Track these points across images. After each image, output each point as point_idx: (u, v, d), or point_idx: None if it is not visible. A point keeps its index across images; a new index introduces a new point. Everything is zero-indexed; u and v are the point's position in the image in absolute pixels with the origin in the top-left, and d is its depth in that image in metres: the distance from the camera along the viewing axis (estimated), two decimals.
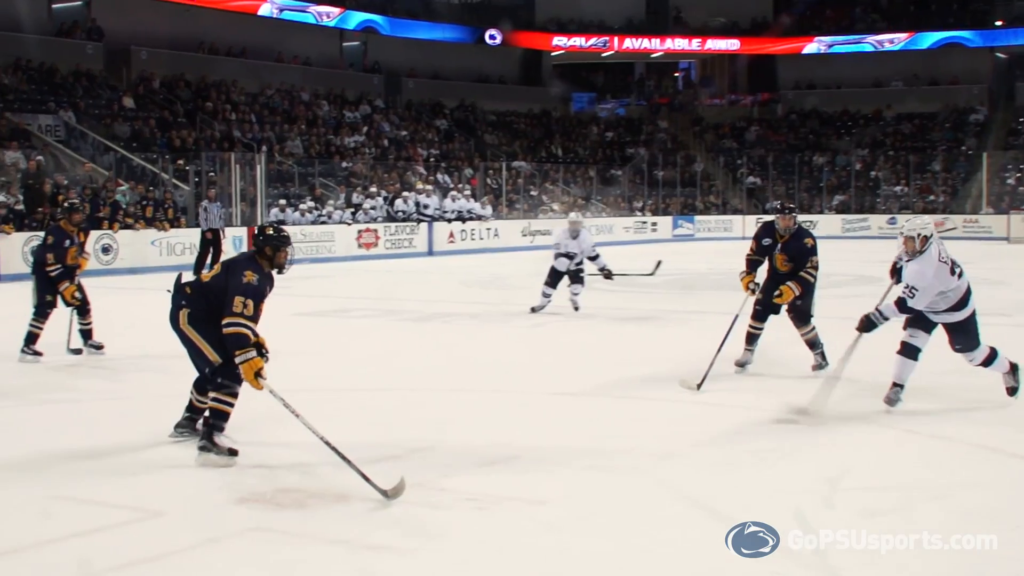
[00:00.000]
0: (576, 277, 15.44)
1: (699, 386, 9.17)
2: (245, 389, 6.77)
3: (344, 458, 6.15)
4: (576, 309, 15.34)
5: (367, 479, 5.94)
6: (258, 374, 6.47)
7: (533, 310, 15.38)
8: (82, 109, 30.01)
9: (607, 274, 15.30)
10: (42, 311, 11.27)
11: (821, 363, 9.95)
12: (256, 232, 7.18)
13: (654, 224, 39.51)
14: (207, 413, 6.79)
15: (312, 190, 31.57)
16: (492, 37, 45.21)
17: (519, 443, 7.29)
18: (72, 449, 7.23)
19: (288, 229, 24.53)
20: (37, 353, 11.22)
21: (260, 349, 6.65)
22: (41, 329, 11.24)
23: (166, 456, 6.93)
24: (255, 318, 6.64)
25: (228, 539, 5.32)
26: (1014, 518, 5.41)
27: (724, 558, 4.84)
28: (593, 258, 15.36)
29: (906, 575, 4.59)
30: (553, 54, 48.79)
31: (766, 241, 10.01)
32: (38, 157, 25.97)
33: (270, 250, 6.99)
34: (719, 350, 9.52)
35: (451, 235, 32.34)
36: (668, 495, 6.01)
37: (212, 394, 6.75)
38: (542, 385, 9.73)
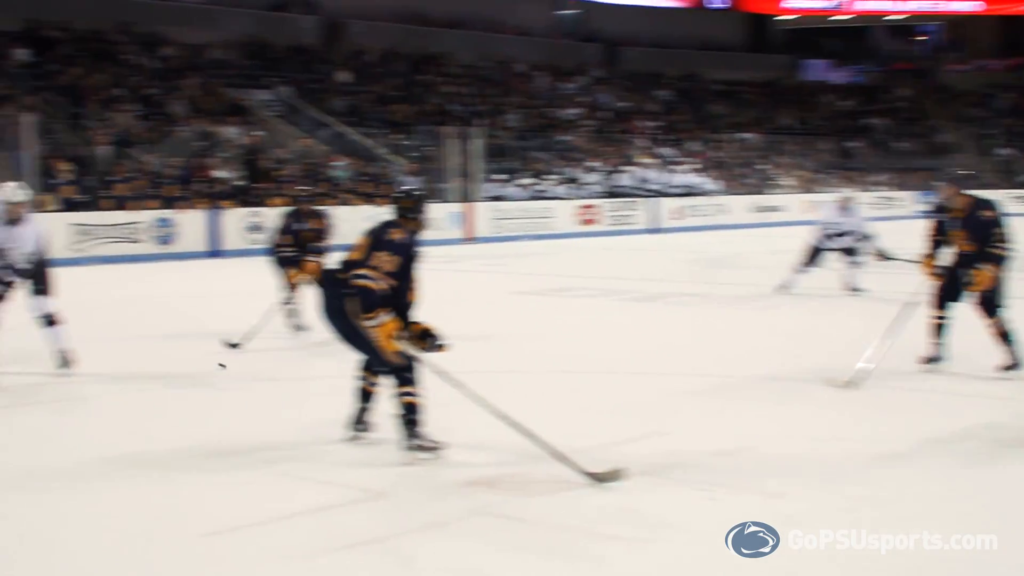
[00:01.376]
0: (850, 255, 14.43)
1: (853, 383, 8.32)
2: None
3: (536, 439, 6.07)
4: (855, 291, 14.26)
5: (570, 462, 5.85)
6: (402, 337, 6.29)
7: (781, 288, 14.40)
8: (298, 84, 29.69)
9: (881, 256, 14.05)
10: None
11: (1014, 362, 8.64)
12: (395, 196, 6.80)
13: (894, 199, 36.87)
14: (400, 411, 6.36)
15: (529, 164, 30.65)
16: (715, 1, 43.24)
17: (751, 432, 6.98)
18: (287, 428, 7.18)
19: (506, 205, 24.55)
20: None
21: (403, 312, 6.40)
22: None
23: (374, 438, 6.72)
24: (398, 276, 6.35)
25: (453, 522, 5.25)
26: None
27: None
28: (865, 238, 14.35)
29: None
30: (780, 18, 46.47)
31: (941, 217, 8.99)
32: (257, 132, 25.92)
33: (409, 211, 6.62)
34: (886, 343, 8.72)
35: (675, 211, 30.80)
36: (927, 490, 5.72)
37: (397, 389, 6.36)
38: (778, 371, 9.12)
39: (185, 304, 13.64)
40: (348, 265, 6.36)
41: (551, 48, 39.75)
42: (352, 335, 6.38)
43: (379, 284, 6.22)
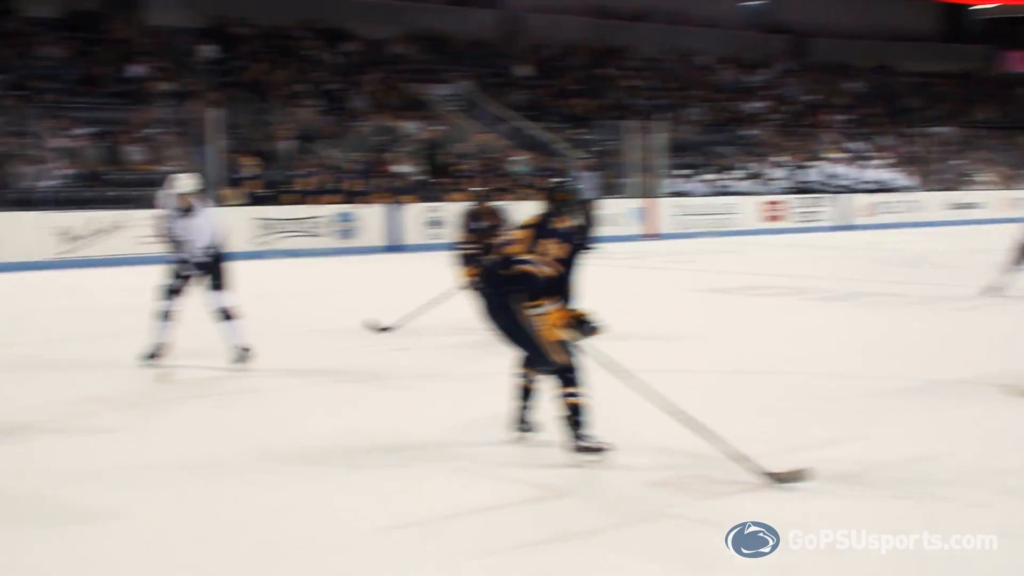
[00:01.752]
0: None
1: None
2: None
3: (713, 437, 5.90)
4: None
5: (748, 462, 5.68)
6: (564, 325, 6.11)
7: (990, 289, 13.56)
8: (479, 78, 29.55)
9: None
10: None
11: None
12: (550, 190, 6.51)
13: None
14: (564, 413, 6.15)
15: (713, 159, 29.96)
16: None
17: (947, 439, 6.66)
18: (458, 425, 7.11)
19: (688, 201, 24.06)
20: None
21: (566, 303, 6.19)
22: None
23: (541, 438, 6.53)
24: (565, 263, 6.17)
25: (638, 523, 5.13)
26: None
27: None
28: None
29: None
30: (977, 7, 44.39)
31: None
32: (437, 127, 25.89)
33: (564, 204, 6.42)
34: None
35: (866, 207, 29.64)
36: None
37: (561, 390, 6.16)
38: (979, 375, 8.56)
39: (363, 299, 13.49)
40: (508, 260, 6.19)
41: (736, 40, 38.77)
42: (515, 332, 6.22)
43: (544, 270, 6.08)
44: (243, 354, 9.05)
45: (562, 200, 6.38)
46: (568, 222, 6.29)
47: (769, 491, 5.48)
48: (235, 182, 21.73)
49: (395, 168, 24.28)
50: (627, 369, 6.25)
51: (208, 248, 8.99)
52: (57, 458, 6.35)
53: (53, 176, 20.39)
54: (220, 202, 20.77)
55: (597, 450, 6.07)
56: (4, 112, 21.04)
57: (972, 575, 4.54)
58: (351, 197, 22.55)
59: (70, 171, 20.68)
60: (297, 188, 22.48)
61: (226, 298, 9.10)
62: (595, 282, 15.05)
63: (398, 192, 23.00)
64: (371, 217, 22.16)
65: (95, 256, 18.62)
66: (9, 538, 4.98)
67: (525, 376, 6.49)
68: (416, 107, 27.29)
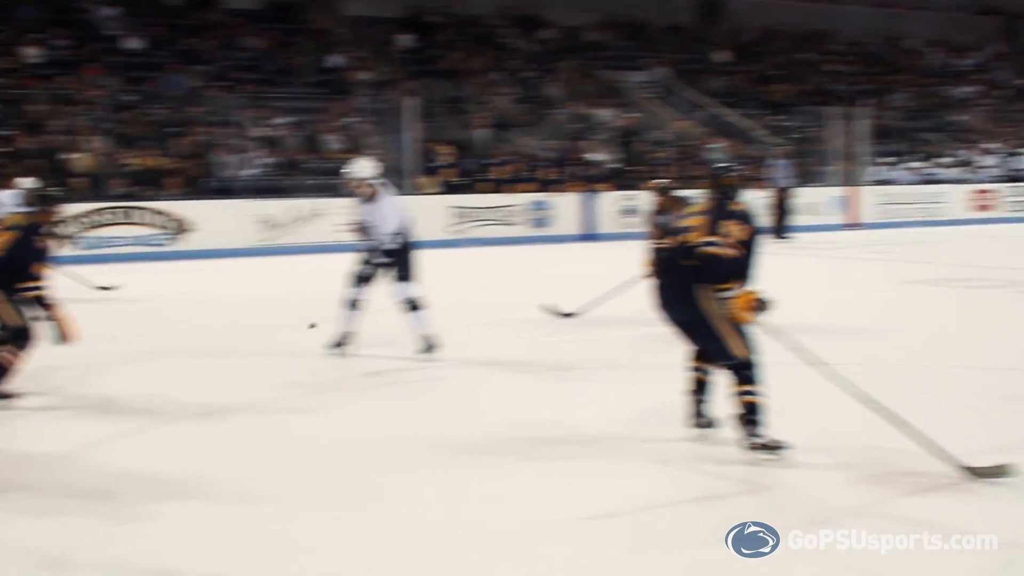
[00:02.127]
0: None
1: None
2: None
3: (912, 430, 5.69)
4: None
5: (947, 455, 5.51)
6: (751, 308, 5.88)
7: None
8: (675, 65, 29.04)
9: None
10: None
11: None
12: (716, 174, 6.28)
13: None
14: (740, 411, 5.96)
15: (919, 146, 28.82)
16: None
17: None
18: (637, 418, 6.99)
19: (893, 189, 23.20)
20: None
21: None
22: None
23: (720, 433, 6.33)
24: (747, 246, 5.98)
25: (840, 519, 4.93)
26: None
27: None
28: None
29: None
30: None
31: None
32: (632, 115, 25.57)
33: (732, 189, 6.22)
34: None
35: None
36: None
37: (738, 388, 5.97)
38: None
39: (554, 288, 13.28)
40: (688, 248, 5.95)
41: (945, 22, 37.18)
42: (694, 324, 6.03)
43: (730, 252, 5.88)
44: (429, 344, 8.95)
45: (729, 184, 6.21)
46: (743, 206, 6.12)
47: (965, 489, 5.32)
48: (430, 171, 21.84)
49: (590, 156, 24.04)
50: (825, 361, 6.07)
51: (393, 235, 8.89)
52: (248, 439, 6.57)
53: (254, 165, 20.79)
54: (415, 191, 20.95)
55: (774, 448, 5.89)
56: (207, 102, 21.57)
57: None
58: (545, 185, 22.43)
59: (270, 160, 21.07)
60: (492, 176, 22.44)
61: (412, 289, 8.99)
62: (792, 271, 14.74)
63: (593, 180, 22.76)
64: (565, 206, 21.99)
65: (294, 244, 18.89)
66: (206, 514, 5.17)
67: (699, 369, 6.32)
68: (612, 94, 26.98)
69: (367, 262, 9.02)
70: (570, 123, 25.13)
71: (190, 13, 24.76)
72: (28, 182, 12.68)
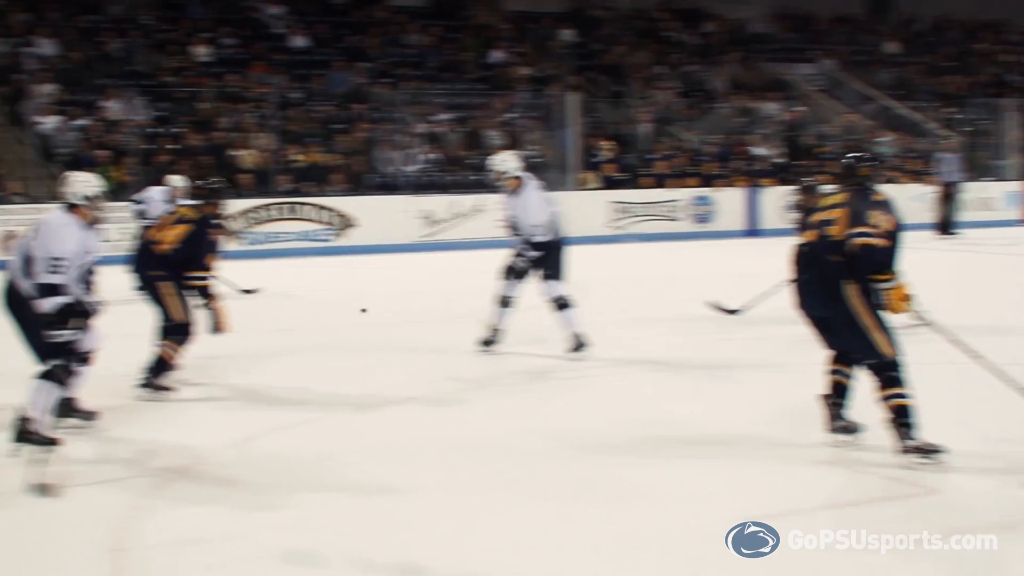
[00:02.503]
0: None
1: None
2: None
3: None
4: None
5: None
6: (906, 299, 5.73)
7: None
8: (843, 57, 28.33)
9: None
10: None
11: None
12: (850, 163, 6.10)
13: None
14: (890, 414, 5.74)
15: None
16: None
17: None
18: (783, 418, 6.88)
19: None
20: None
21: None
22: None
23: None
24: (891, 237, 5.79)
25: (978, 532, 4.68)
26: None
27: None
28: None
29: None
30: None
31: None
32: (798, 108, 25.03)
33: (868, 179, 6.04)
34: None
35: None
36: None
37: (884, 391, 5.75)
38: None
39: (718, 285, 13.01)
40: (831, 243, 5.80)
41: None
42: (839, 321, 5.83)
43: (882, 242, 5.70)
44: (577, 343, 8.80)
45: (865, 175, 6.04)
46: (884, 195, 5.93)
47: None
48: (592, 166, 21.69)
49: (754, 151, 23.57)
50: (992, 361, 5.93)
51: (539, 229, 8.74)
52: (393, 431, 6.73)
53: (416, 161, 20.93)
54: (577, 186, 20.83)
55: (929, 452, 5.67)
56: (371, 99, 21.80)
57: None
58: (708, 180, 22.05)
59: (432, 156, 21.18)
60: (654, 172, 22.17)
61: (560, 287, 8.84)
62: (957, 268, 14.18)
63: (757, 175, 22.31)
64: (729, 201, 21.58)
65: (455, 240, 18.94)
66: (347, 501, 5.33)
67: (838, 372, 6.09)
68: (777, 87, 26.44)
69: (517, 256, 8.91)
70: (734, 117, 24.71)
71: (355, 11, 25.07)
72: (177, 179, 13.00)
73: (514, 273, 8.94)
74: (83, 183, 6.29)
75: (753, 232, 21.19)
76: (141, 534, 4.91)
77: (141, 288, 7.80)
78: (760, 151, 23.57)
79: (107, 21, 22.25)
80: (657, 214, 21.03)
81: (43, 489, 5.36)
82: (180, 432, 5.98)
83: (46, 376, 6.02)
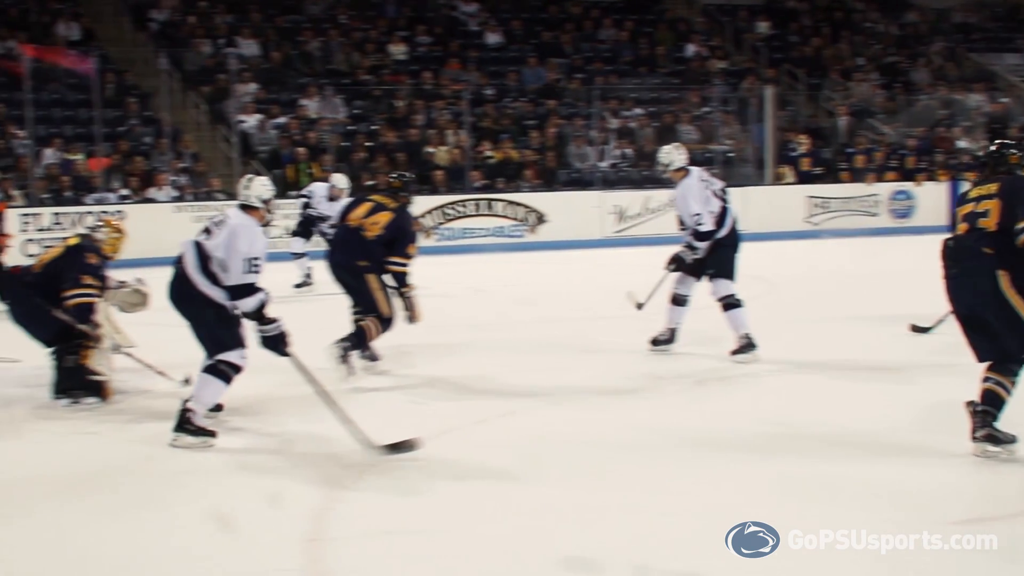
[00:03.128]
0: None
1: None
2: None
3: None
4: None
5: None
6: None
7: None
8: None
9: None
10: None
11: None
12: (1000, 153, 5.94)
13: None
14: (979, 407, 5.66)
15: None
16: None
17: None
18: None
19: None
20: None
21: None
22: None
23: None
24: None
25: None
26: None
27: None
28: None
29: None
30: None
31: None
32: (1003, 99, 24.11)
33: (1015, 164, 5.87)
34: None
35: None
36: None
37: (995, 375, 5.62)
38: None
39: (913, 282, 12.55)
40: (984, 235, 5.62)
41: None
42: (994, 317, 5.57)
43: None
44: (743, 344, 8.54)
45: (1016, 163, 5.92)
46: None
47: None
48: (788, 160, 21.27)
49: (958, 144, 22.76)
50: None
51: (699, 222, 8.50)
52: (585, 424, 6.74)
53: (609, 156, 20.88)
54: (773, 181, 20.48)
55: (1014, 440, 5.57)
56: (563, 95, 21.82)
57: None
58: (909, 175, 21.38)
59: (625, 151, 21.08)
60: (852, 166, 21.62)
61: (728, 286, 8.60)
62: None
63: (960, 169, 21.51)
64: (930, 195, 20.87)
65: (647, 235, 18.79)
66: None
67: (991, 379, 5.71)
68: (982, 78, 25.44)
69: (682, 250, 8.73)
70: (936, 109, 23.90)
71: (549, 7, 25.14)
72: (340, 178, 13.30)
73: (680, 267, 8.74)
74: (263, 186, 6.48)
75: (955, 228, 20.40)
76: (337, 525, 5.00)
77: (346, 277, 8.00)
78: (963, 144, 22.73)
79: (306, 21, 22.85)
80: (855, 209, 20.51)
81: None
82: (375, 422, 6.05)
83: (211, 371, 6.24)
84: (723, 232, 8.62)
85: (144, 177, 17.88)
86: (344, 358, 7.70)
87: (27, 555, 4.70)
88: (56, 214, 16.44)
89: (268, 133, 19.39)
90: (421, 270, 11.62)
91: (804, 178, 20.98)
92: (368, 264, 7.86)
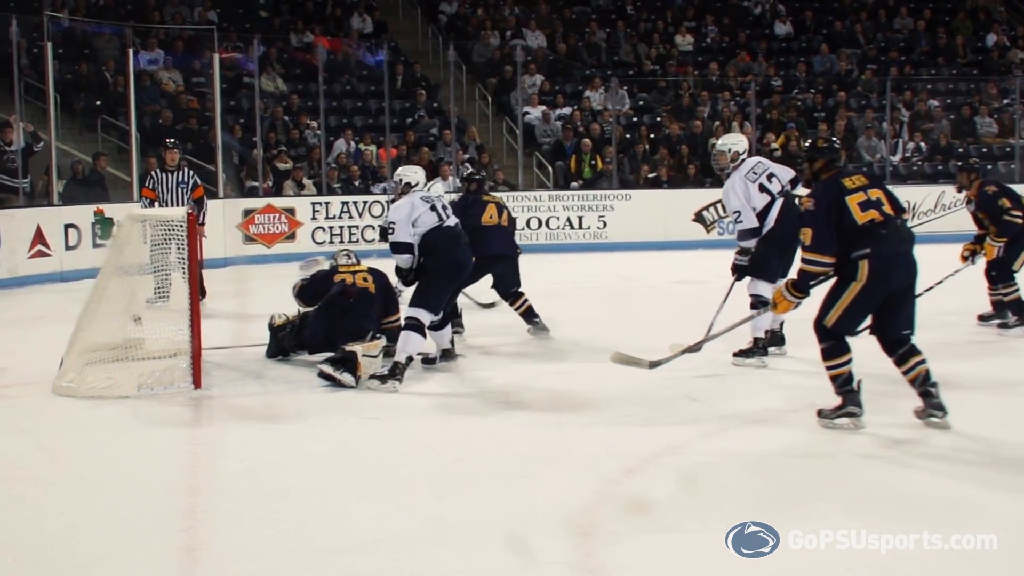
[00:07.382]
0: None
1: None
2: None
3: None
4: None
5: None
6: None
7: None
8: None
9: None
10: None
11: None
12: None
13: None
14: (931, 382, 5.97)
15: None
16: None
17: None
18: None
19: None
20: None
21: None
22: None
23: None
24: None
25: None
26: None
27: None
28: None
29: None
30: None
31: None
32: None
33: None
34: None
35: None
36: None
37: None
38: None
39: None
40: None
41: None
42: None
43: None
44: (752, 346, 8.13)
45: None
46: None
47: None
48: None
49: None
50: None
51: (740, 218, 8.11)
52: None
53: (902, 149, 20.20)
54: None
55: None
56: (855, 85, 21.24)
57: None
58: None
59: (920, 144, 20.36)
60: None
61: (755, 286, 8.13)
62: None
63: None
64: None
65: (941, 232, 18.00)
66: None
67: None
68: None
69: (738, 255, 8.27)
70: None
71: None
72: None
73: (743, 273, 8.23)
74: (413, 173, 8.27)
75: None
76: (605, 518, 5.02)
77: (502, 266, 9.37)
78: None
79: (593, 12, 23.01)
80: None
81: None
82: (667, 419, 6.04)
83: (408, 326, 7.54)
84: (766, 228, 8.14)
85: (430, 168, 18.37)
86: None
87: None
88: (343, 203, 17.11)
89: (552, 124, 19.61)
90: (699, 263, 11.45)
91: None
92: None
